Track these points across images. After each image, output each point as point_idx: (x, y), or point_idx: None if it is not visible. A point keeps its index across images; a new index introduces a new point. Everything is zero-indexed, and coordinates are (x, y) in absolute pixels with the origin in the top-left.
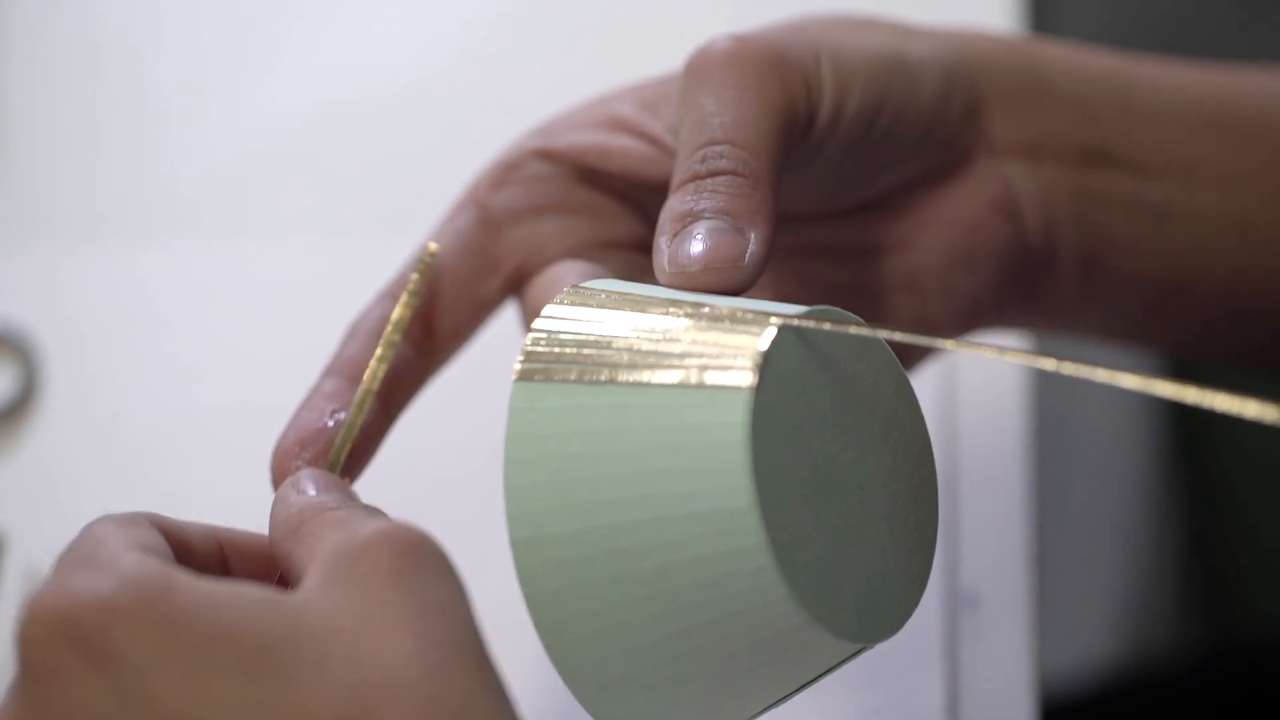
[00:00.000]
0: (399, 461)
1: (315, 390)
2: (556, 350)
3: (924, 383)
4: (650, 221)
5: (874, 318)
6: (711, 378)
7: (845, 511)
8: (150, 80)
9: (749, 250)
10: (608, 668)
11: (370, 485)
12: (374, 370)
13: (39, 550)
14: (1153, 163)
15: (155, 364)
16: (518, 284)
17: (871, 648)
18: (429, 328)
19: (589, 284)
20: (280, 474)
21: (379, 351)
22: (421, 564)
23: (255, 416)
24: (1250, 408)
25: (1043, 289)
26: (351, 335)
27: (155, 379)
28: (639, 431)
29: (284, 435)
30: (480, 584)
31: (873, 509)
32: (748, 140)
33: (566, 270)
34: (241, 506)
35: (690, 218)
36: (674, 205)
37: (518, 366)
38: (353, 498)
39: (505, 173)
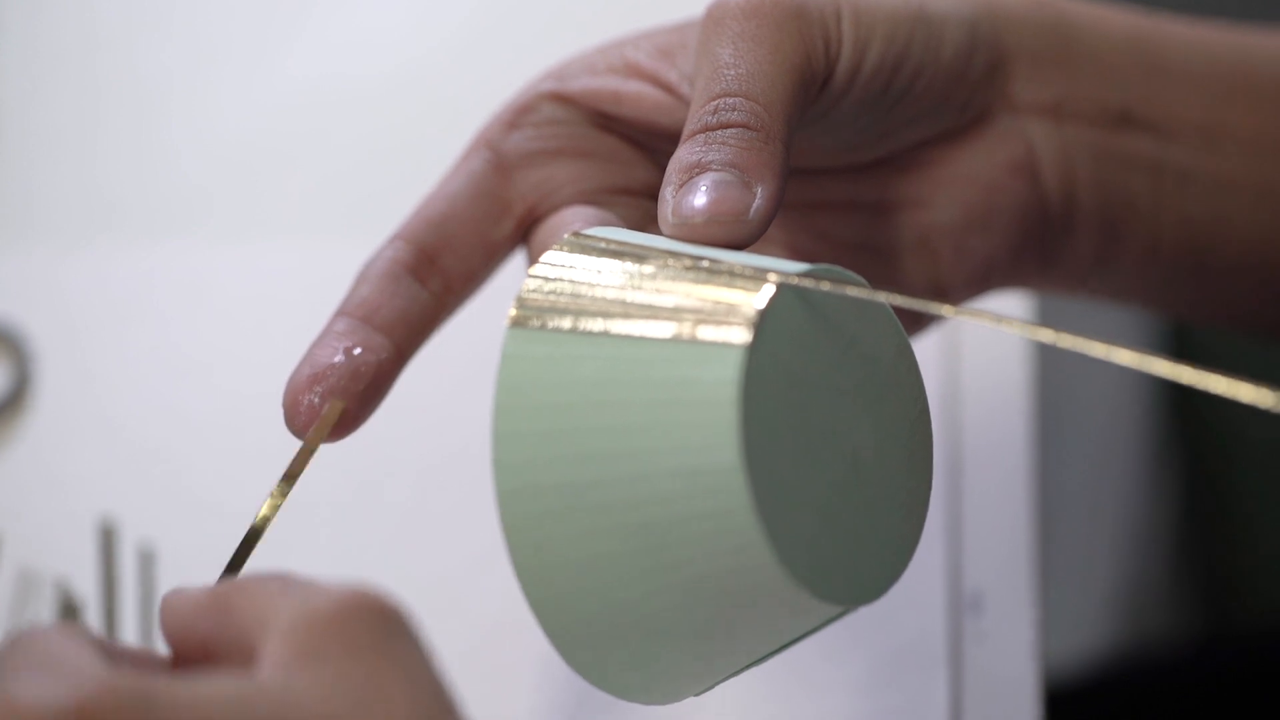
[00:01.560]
0: (401, 449)
1: (328, 329)
2: (552, 298)
3: (925, 382)
4: (663, 169)
5: (887, 276)
6: (705, 333)
7: (836, 473)
8: (145, 77)
9: (754, 205)
10: (588, 620)
11: (371, 474)
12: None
13: (33, 549)
14: (1176, 126)
15: (149, 361)
16: (529, 227)
17: (854, 610)
18: (435, 263)
19: (591, 231)
20: (293, 410)
21: (305, 443)
22: (399, 632)
23: (250, 414)
24: (1244, 391)
25: (1061, 251)
26: (362, 278)
27: (149, 376)
28: (630, 384)
29: (297, 370)
30: (490, 575)
31: (865, 472)
32: (761, 93)
33: (574, 215)
34: (235, 503)
35: (698, 169)
36: (682, 156)
37: (512, 312)
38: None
39: (518, 115)
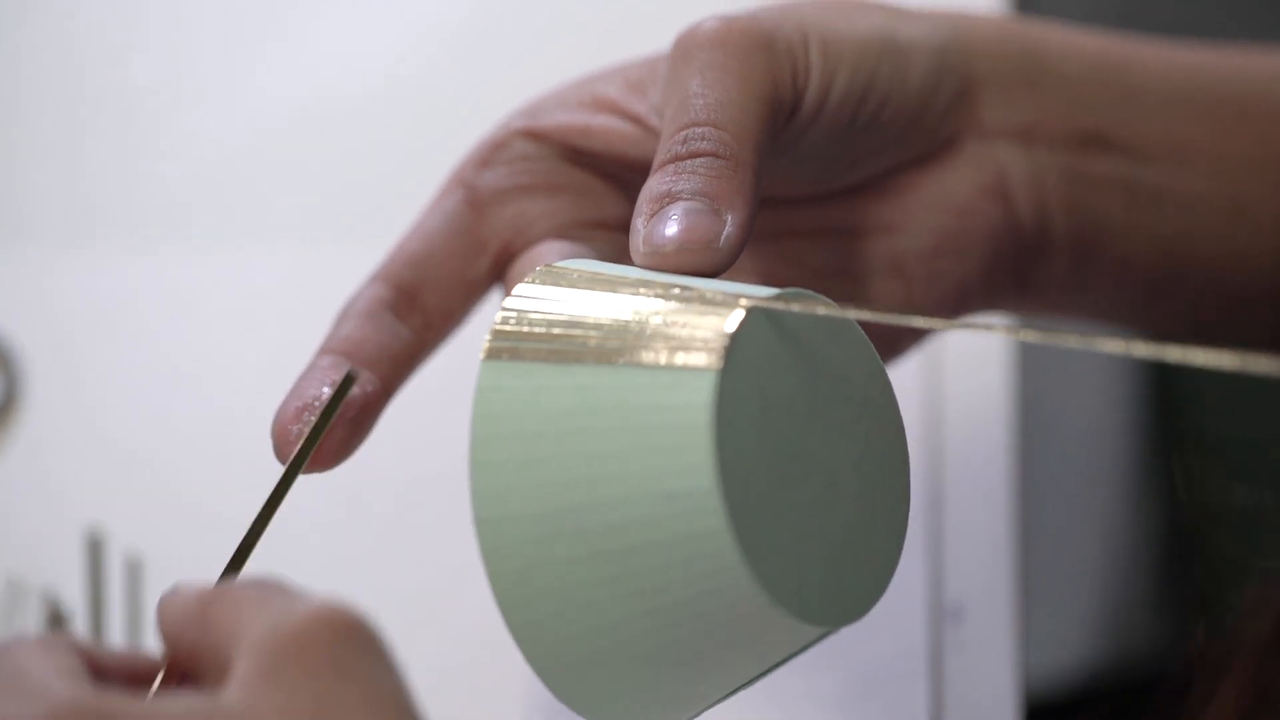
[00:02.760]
0: (388, 462)
1: (313, 365)
2: (525, 329)
3: (907, 395)
4: (635, 201)
5: (859, 301)
6: (678, 359)
7: (813, 494)
8: (133, 86)
9: (725, 233)
10: (570, 648)
11: (360, 485)
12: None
13: (21, 559)
14: (1147, 146)
15: (138, 371)
16: (506, 264)
17: (836, 631)
18: (414, 301)
19: (563, 264)
20: (282, 440)
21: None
22: (364, 649)
23: (238, 423)
24: (1227, 359)
25: (1035, 273)
26: (344, 316)
27: (137, 386)
28: (605, 412)
29: (284, 403)
30: (476, 587)
31: (842, 492)
32: (731, 122)
33: (548, 250)
34: (224, 513)
35: (668, 198)
36: (653, 186)
37: (486, 345)
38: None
39: (491, 152)
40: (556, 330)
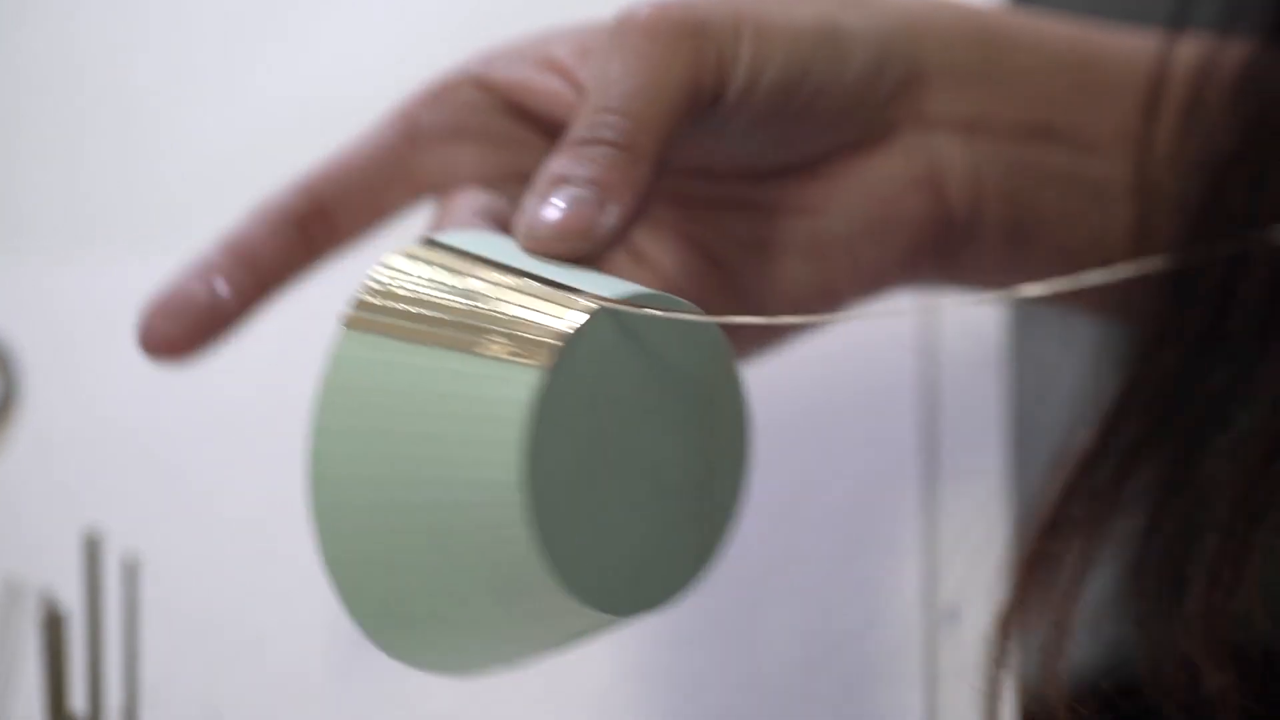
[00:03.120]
0: None
1: (203, 257)
2: (385, 303)
3: (902, 396)
4: None
5: (776, 276)
6: (511, 352)
7: (629, 489)
8: (132, 90)
9: (602, 224)
10: (387, 608)
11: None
12: None
13: (18, 559)
14: (1096, 138)
15: (135, 373)
16: (422, 200)
17: (637, 616)
18: (327, 217)
19: (444, 237)
20: (147, 331)
21: None
22: None
23: (236, 423)
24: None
25: (961, 257)
26: (251, 215)
27: (136, 386)
28: (440, 397)
29: (162, 292)
30: None
31: (664, 488)
32: (639, 112)
33: (470, 199)
34: (222, 513)
35: (559, 182)
36: (549, 167)
37: (349, 313)
38: None
39: (440, 93)
40: (414, 309)
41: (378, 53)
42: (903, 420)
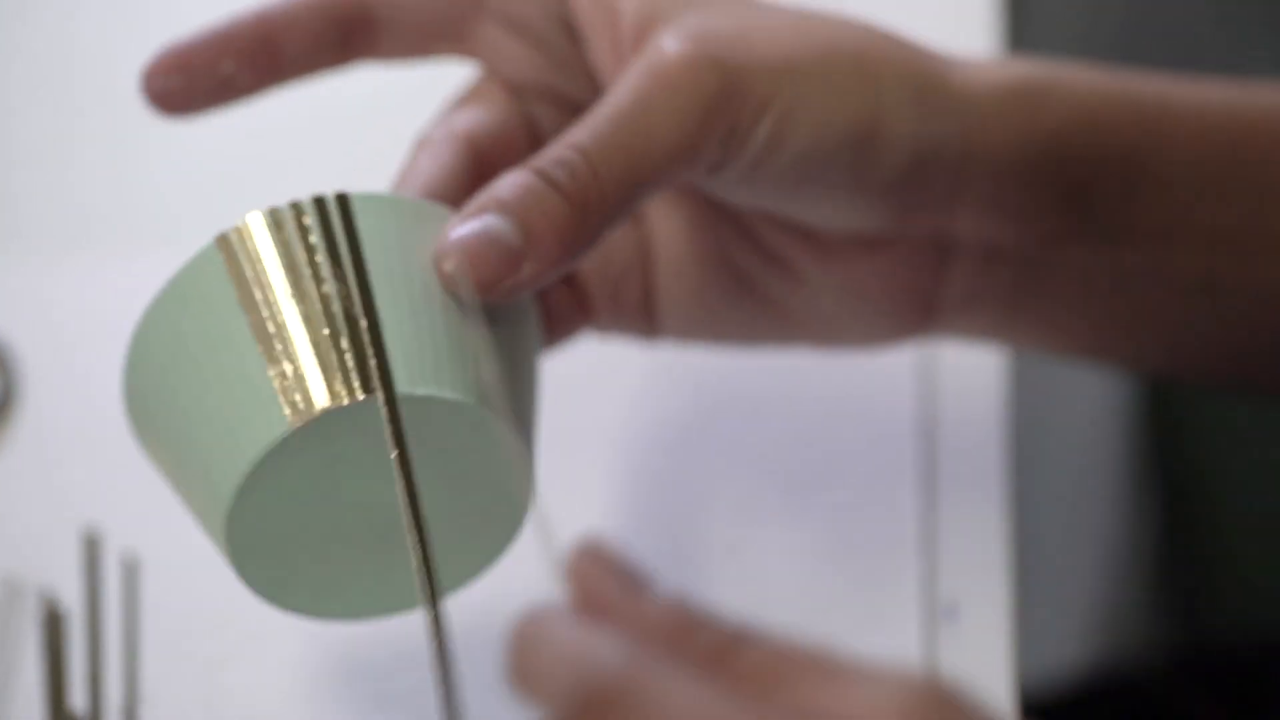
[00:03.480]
0: None
1: (229, 19)
2: (243, 259)
3: (901, 391)
4: (583, 99)
5: (750, 316)
6: (285, 393)
7: (338, 526)
8: (130, 89)
9: (509, 280)
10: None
11: None
12: None
13: (17, 558)
14: (1138, 231)
15: None
16: (463, 63)
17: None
18: (370, 28)
19: (362, 198)
20: (149, 80)
21: None
22: None
23: None
24: None
25: (948, 326)
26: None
27: None
28: (214, 388)
29: (167, 48)
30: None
31: (376, 532)
32: (612, 167)
33: (460, 116)
34: None
35: (494, 206)
36: (503, 181)
37: (228, 227)
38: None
39: None
40: (264, 279)
41: None
42: (902, 416)
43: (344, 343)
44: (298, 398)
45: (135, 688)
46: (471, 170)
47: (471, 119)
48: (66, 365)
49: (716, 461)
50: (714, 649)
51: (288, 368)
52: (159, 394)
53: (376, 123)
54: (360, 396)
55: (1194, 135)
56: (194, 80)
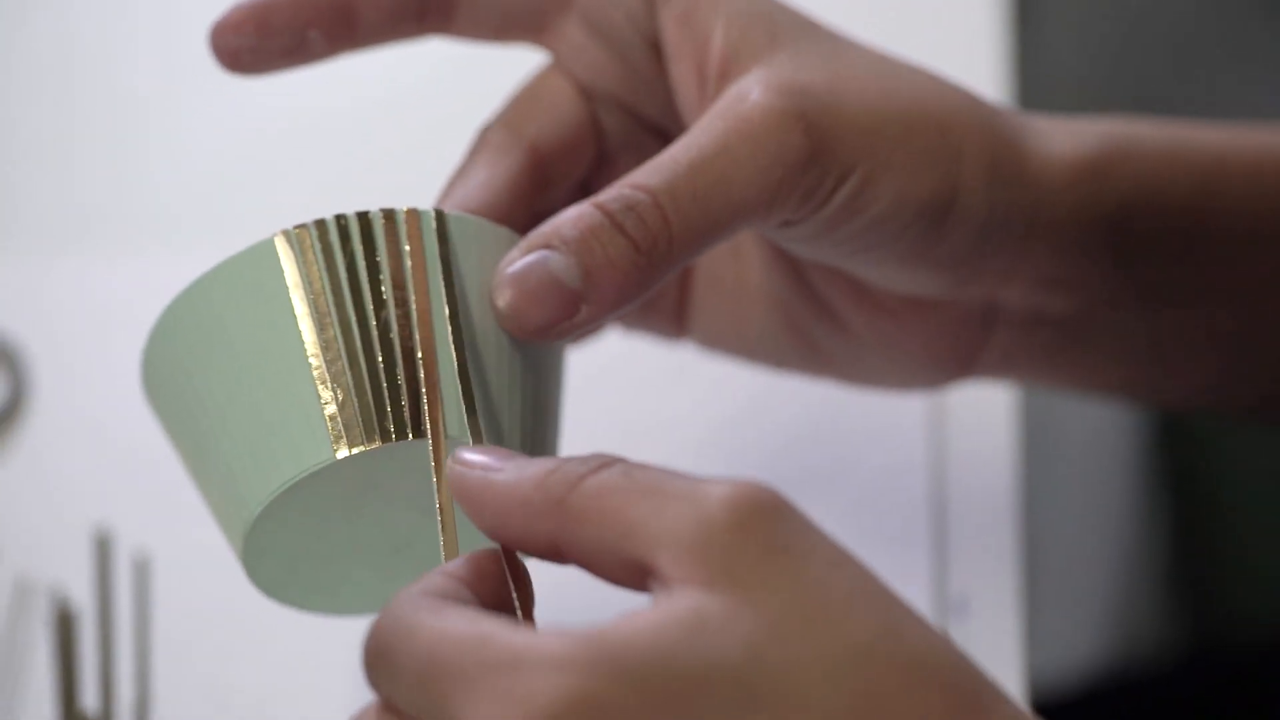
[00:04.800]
0: None
1: None
2: (314, 259)
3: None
4: (659, 122)
5: (784, 348)
6: (316, 419)
7: (356, 536)
8: (131, 88)
9: (564, 324)
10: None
11: None
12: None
13: (28, 558)
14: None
15: None
16: (535, 48)
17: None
18: (449, 2)
19: (453, 217)
20: (218, 35)
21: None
22: (806, 527)
23: None
24: None
25: (983, 377)
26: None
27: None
28: (255, 390)
29: (241, 4)
30: None
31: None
32: (685, 217)
33: (555, 97)
34: None
35: (557, 242)
36: (566, 216)
37: (294, 228)
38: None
39: None
40: (313, 293)
41: (373, 59)
42: (914, 413)
43: (399, 376)
44: (346, 429)
45: (146, 686)
46: (532, 178)
47: (537, 121)
48: (77, 365)
49: (729, 459)
50: (557, 496)
51: (339, 393)
52: (189, 375)
53: (373, 128)
54: (410, 438)
55: (1248, 190)
56: (267, 40)
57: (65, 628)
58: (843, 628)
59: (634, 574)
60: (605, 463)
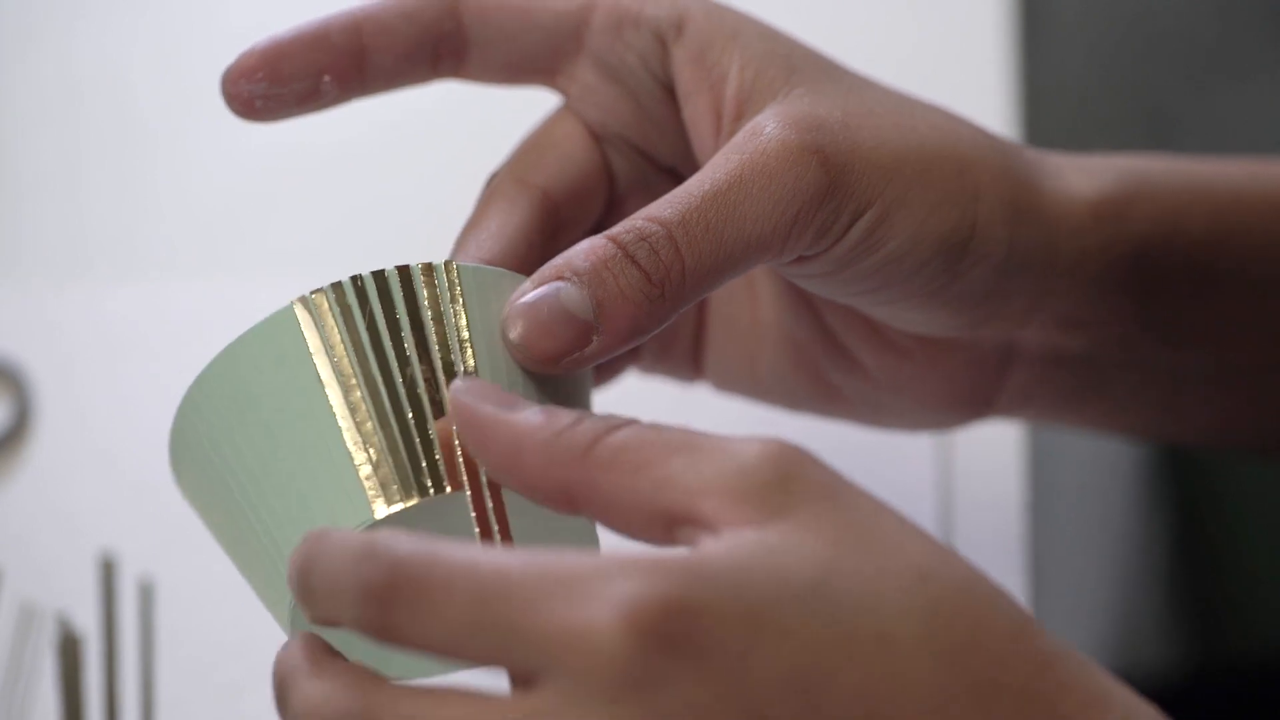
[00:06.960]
0: None
1: (322, 25)
2: (334, 322)
3: None
4: (667, 157)
5: (798, 390)
6: (353, 481)
7: None
8: (136, 114)
9: (575, 354)
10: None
11: None
12: None
13: (33, 582)
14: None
15: (147, 395)
16: (549, 91)
17: None
18: (462, 45)
19: (467, 268)
20: (231, 82)
21: None
22: (842, 478)
23: None
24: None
25: (999, 417)
26: (397, 10)
27: (148, 410)
28: (289, 459)
29: (255, 49)
30: None
31: None
32: (699, 253)
33: (567, 139)
34: None
35: (569, 274)
36: (579, 248)
37: (310, 293)
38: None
39: (625, 25)
40: (337, 355)
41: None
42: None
43: (431, 431)
44: (383, 487)
45: (151, 710)
46: (545, 224)
47: (547, 168)
48: (82, 390)
49: None
50: (582, 444)
51: (372, 453)
52: (219, 448)
53: (379, 154)
54: (447, 491)
55: (1266, 227)
56: (280, 86)
57: (70, 652)
58: (903, 551)
59: (661, 526)
60: (629, 420)
